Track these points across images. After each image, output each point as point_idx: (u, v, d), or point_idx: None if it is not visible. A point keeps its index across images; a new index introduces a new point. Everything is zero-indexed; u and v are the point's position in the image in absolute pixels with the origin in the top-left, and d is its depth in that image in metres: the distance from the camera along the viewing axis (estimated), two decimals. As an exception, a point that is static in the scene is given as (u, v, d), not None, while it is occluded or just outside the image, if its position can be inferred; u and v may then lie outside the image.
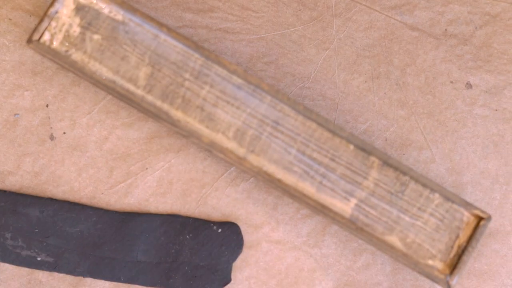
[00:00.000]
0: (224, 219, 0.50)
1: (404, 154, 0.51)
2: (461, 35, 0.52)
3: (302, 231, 0.50)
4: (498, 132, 0.51)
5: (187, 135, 0.47)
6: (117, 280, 0.49)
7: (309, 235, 0.50)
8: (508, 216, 0.51)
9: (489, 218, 0.47)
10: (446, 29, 0.52)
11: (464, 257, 0.46)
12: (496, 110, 0.51)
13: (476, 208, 0.47)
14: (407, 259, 0.47)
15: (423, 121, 0.51)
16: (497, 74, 0.51)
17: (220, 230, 0.49)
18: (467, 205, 0.47)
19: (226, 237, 0.49)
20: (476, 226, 0.47)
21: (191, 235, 0.49)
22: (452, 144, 0.51)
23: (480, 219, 0.47)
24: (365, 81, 0.51)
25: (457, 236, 0.47)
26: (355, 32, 0.52)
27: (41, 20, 0.47)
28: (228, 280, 0.49)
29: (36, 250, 0.49)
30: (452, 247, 0.47)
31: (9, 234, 0.49)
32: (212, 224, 0.49)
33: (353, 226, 0.47)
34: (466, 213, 0.47)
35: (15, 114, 0.51)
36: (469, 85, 0.51)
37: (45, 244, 0.49)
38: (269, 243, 0.50)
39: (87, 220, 0.50)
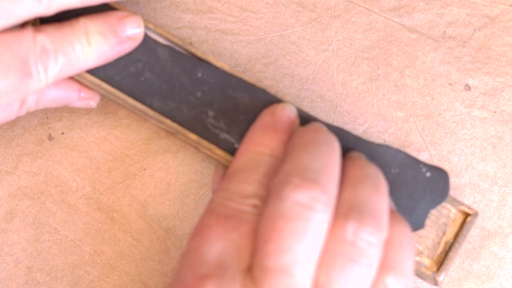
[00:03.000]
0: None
1: (402, 155, 0.51)
2: (459, 37, 0.52)
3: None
4: (497, 134, 0.51)
5: (174, 132, 0.46)
6: None
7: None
8: (506, 218, 0.50)
9: (475, 214, 0.46)
10: (444, 31, 0.52)
11: (451, 254, 0.46)
12: (495, 112, 0.51)
13: (463, 204, 0.47)
14: None
15: (422, 122, 0.51)
16: (496, 76, 0.51)
17: (428, 174, 0.46)
18: (454, 201, 0.47)
19: (432, 183, 0.45)
20: (463, 223, 0.47)
21: (397, 170, 0.46)
22: (450, 146, 0.51)
23: (466, 215, 0.47)
24: (364, 83, 0.51)
25: (444, 233, 0.47)
26: (354, 33, 0.52)
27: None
28: (421, 226, 0.46)
29: (236, 137, 0.46)
30: (439, 243, 0.47)
31: (212, 112, 0.46)
32: (421, 166, 0.46)
33: None
34: (453, 210, 0.47)
35: (16, 115, 0.51)
36: (467, 87, 0.51)
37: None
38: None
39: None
